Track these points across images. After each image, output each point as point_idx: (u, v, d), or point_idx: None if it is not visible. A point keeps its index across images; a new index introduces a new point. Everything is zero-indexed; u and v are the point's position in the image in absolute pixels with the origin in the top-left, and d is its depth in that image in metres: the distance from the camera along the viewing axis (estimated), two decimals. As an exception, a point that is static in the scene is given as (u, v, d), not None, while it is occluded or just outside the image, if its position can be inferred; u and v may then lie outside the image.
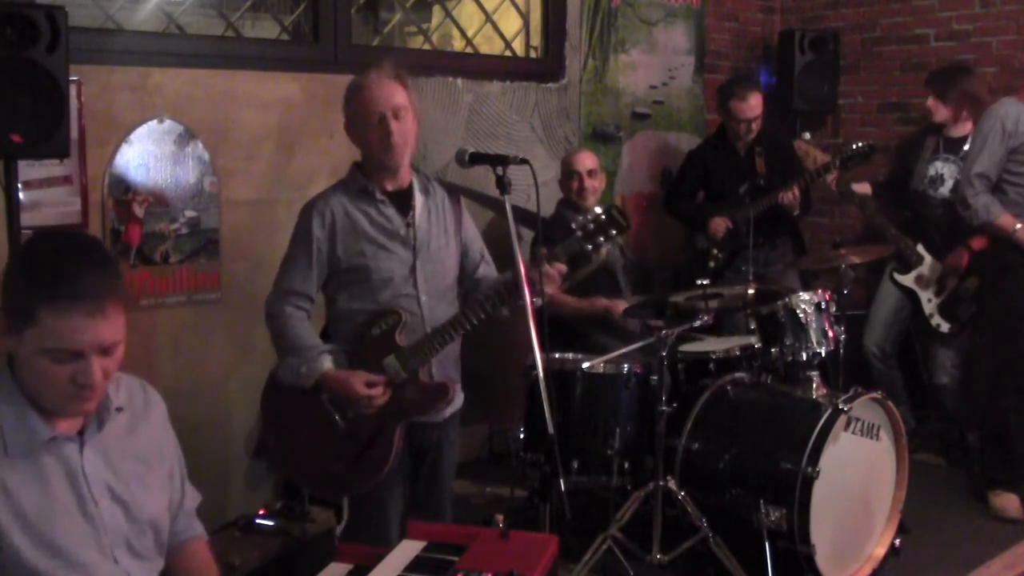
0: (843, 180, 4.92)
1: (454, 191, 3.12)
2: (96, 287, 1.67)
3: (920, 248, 4.83)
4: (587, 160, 4.38)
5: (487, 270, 3.14)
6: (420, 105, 2.98)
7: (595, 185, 4.37)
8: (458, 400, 3.01)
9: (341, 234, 2.85)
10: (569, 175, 4.36)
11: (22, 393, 1.75)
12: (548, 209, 4.34)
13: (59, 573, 1.72)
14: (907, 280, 4.88)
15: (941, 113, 4.82)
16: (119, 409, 1.88)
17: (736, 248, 4.82)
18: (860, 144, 4.65)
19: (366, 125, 2.84)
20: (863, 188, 5.01)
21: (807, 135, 5.25)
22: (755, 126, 4.89)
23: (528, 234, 4.33)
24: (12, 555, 1.68)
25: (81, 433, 1.81)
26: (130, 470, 1.87)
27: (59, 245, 1.77)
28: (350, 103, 2.90)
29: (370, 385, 2.77)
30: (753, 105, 4.83)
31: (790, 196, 4.73)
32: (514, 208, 2.68)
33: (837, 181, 4.91)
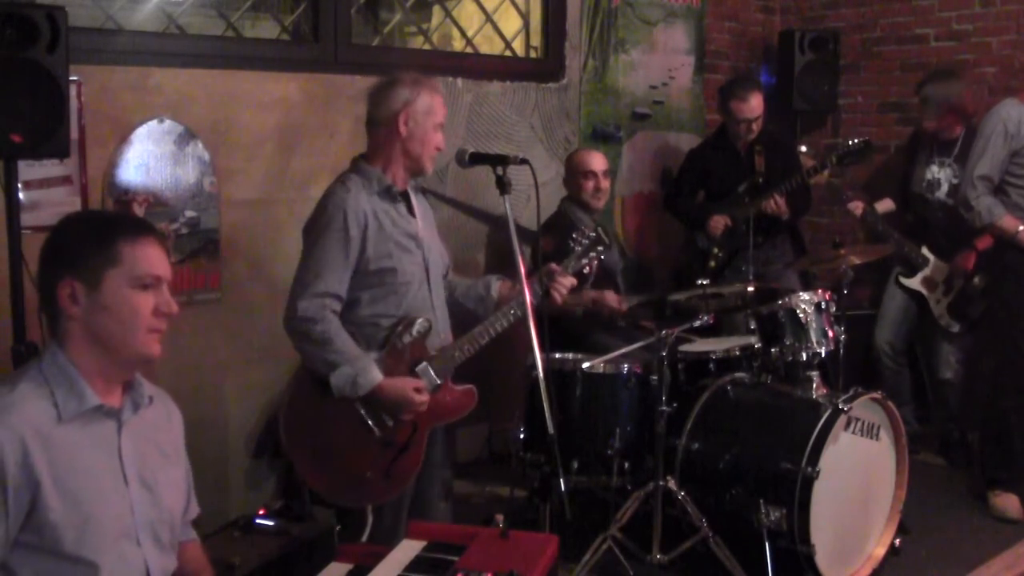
0: (870, 211, 4.91)
1: (424, 192, 3.18)
2: (150, 225, 1.96)
3: (924, 250, 4.84)
4: (601, 161, 4.39)
5: (452, 273, 3.20)
6: None
7: (607, 185, 4.39)
8: None
9: (372, 236, 2.82)
10: (585, 175, 4.34)
11: (72, 366, 1.84)
12: (549, 209, 4.33)
13: (83, 541, 1.77)
14: (914, 283, 4.89)
15: (929, 126, 4.86)
16: (150, 399, 1.97)
17: (736, 247, 4.82)
18: (855, 140, 4.64)
19: (436, 126, 2.92)
20: (886, 205, 5.00)
21: (803, 148, 5.24)
22: (756, 126, 4.89)
23: (528, 250, 4.34)
24: (43, 517, 1.74)
25: (119, 413, 1.89)
26: (156, 461, 1.96)
27: (92, 211, 2.13)
28: (427, 99, 2.92)
29: (418, 391, 2.81)
30: (754, 106, 4.83)
31: (772, 205, 4.74)
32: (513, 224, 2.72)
33: (864, 212, 4.90)
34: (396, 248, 2.84)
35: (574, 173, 4.40)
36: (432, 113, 2.91)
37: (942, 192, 4.82)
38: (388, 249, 2.83)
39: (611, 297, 4.13)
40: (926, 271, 4.85)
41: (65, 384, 1.82)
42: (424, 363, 2.84)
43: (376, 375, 2.77)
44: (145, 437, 1.94)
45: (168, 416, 2.06)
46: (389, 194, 2.87)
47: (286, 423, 2.93)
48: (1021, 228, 4.05)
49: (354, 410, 2.82)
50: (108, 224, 1.92)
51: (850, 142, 4.63)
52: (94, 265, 1.82)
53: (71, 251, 1.84)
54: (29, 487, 1.73)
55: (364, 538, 3.28)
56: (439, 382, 2.86)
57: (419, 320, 2.84)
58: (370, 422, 2.83)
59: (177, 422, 2.09)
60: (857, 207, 4.94)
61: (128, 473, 1.87)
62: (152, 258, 1.87)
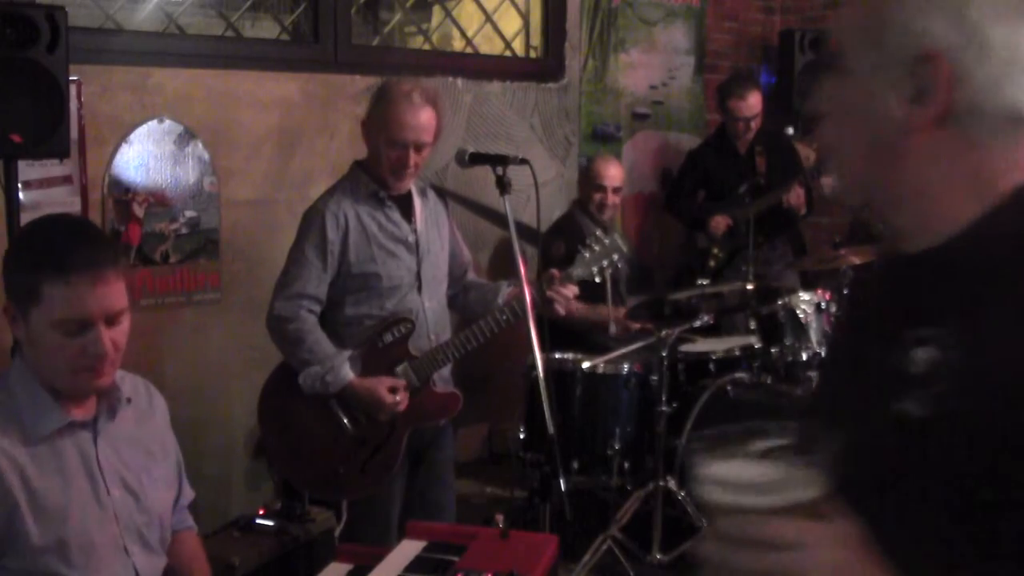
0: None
1: (442, 194, 3.13)
2: (92, 256, 1.73)
3: None
4: (617, 176, 4.38)
5: (473, 274, 3.18)
6: (444, 119, 2.96)
7: (616, 200, 4.39)
8: None
9: (354, 239, 2.82)
10: (596, 187, 4.33)
11: (37, 380, 1.78)
12: (549, 209, 4.33)
13: (69, 560, 1.74)
14: None
15: None
16: (128, 400, 1.91)
17: (736, 247, 4.82)
18: None
19: (387, 143, 2.81)
20: None
21: (790, 129, 5.22)
22: (754, 125, 4.88)
23: (531, 249, 4.33)
24: (24, 541, 1.71)
25: (94, 422, 1.84)
26: (139, 463, 1.91)
27: (52, 225, 1.85)
28: (380, 110, 2.83)
29: (392, 390, 2.78)
30: (752, 104, 4.83)
31: (795, 197, 4.73)
32: (516, 223, 2.69)
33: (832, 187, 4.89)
34: (381, 252, 2.84)
35: (587, 181, 4.39)
36: (385, 129, 2.80)
37: None
38: (371, 253, 2.83)
39: (621, 313, 4.10)
40: None
41: (32, 402, 1.76)
42: (404, 364, 2.83)
43: (347, 374, 2.77)
44: (126, 440, 1.89)
45: (151, 407, 2.01)
46: (376, 199, 2.86)
47: (262, 414, 2.98)
48: None
49: (328, 406, 2.83)
50: (36, 258, 1.73)
51: None
52: (21, 298, 1.73)
53: (8, 274, 1.77)
54: (6, 513, 1.69)
55: (337, 532, 3.29)
56: (417, 384, 2.84)
57: (401, 321, 2.83)
58: (343, 419, 2.83)
59: (161, 411, 2.03)
60: (827, 184, 4.90)
61: (109, 482, 1.83)
62: (78, 301, 1.70)
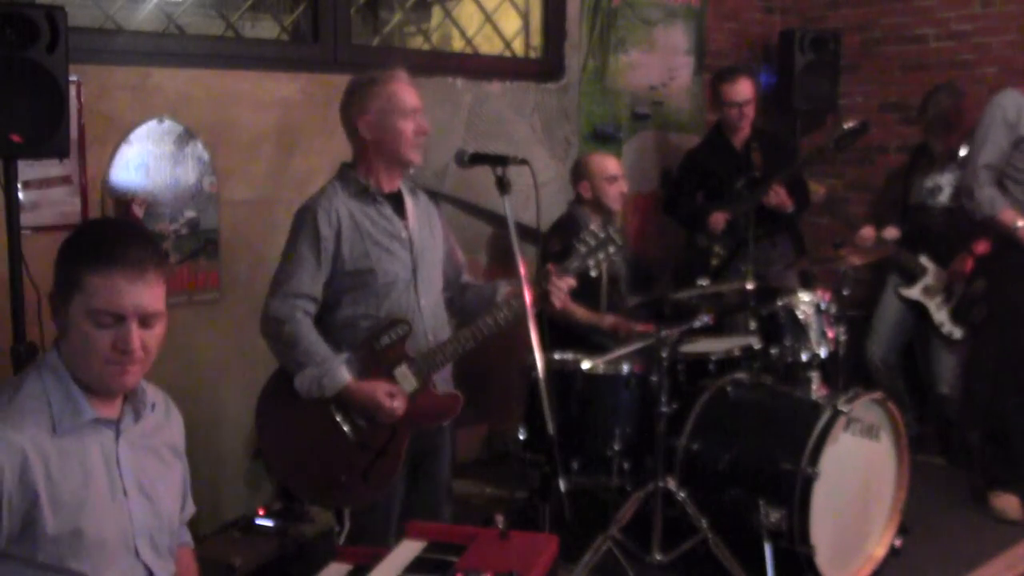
0: (878, 237, 4.89)
1: (434, 196, 3.12)
2: (137, 254, 1.79)
3: (923, 259, 4.83)
4: (618, 163, 4.35)
5: (468, 276, 3.16)
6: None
7: (626, 189, 4.37)
8: None
9: (347, 236, 2.79)
10: (609, 180, 4.26)
11: (69, 374, 1.82)
12: (549, 209, 4.32)
13: (80, 553, 1.76)
14: (914, 293, 4.87)
15: (940, 146, 4.84)
16: (153, 406, 1.96)
17: (737, 244, 4.81)
18: (852, 123, 4.62)
19: (400, 115, 2.82)
20: (891, 233, 4.98)
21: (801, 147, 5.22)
22: (747, 112, 4.84)
23: (531, 249, 4.32)
24: (39, 529, 1.73)
25: (118, 422, 1.88)
26: (155, 468, 1.95)
27: (105, 223, 1.99)
28: (374, 92, 2.84)
29: (391, 395, 2.75)
30: (741, 89, 4.80)
31: (773, 197, 4.70)
32: (516, 224, 2.68)
33: (873, 239, 4.88)
34: (375, 248, 2.81)
35: (596, 178, 4.33)
36: (392, 107, 2.83)
37: (944, 196, 4.80)
38: (365, 249, 2.80)
39: (631, 326, 4.09)
40: (926, 279, 4.83)
41: (62, 395, 1.80)
42: (403, 366, 2.79)
43: (343, 377, 2.72)
44: (145, 445, 1.93)
45: (168, 418, 2.05)
46: (367, 196, 2.84)
47: (260, 422, 2.90)
48: (1020, 223, 4.04)
49: (327, 412, 2.78)
50: (84, 249, 1.81)
51: (845, 125, 4.61)
52: (65, 286, 1.79)
53: (58, 263, 1.83)
54: (26, 501, 1.72)
55: (341, 541, 3.28)
56: (417, 385, 2.80)
57: (399, 323, 2.79)
58: (343, 425, 2.78)
59: (177, 423, 2.07)
60: (867, 237, 4.90)
61: (127, 483, 1.86)
62: (115, 293, 1.76)
